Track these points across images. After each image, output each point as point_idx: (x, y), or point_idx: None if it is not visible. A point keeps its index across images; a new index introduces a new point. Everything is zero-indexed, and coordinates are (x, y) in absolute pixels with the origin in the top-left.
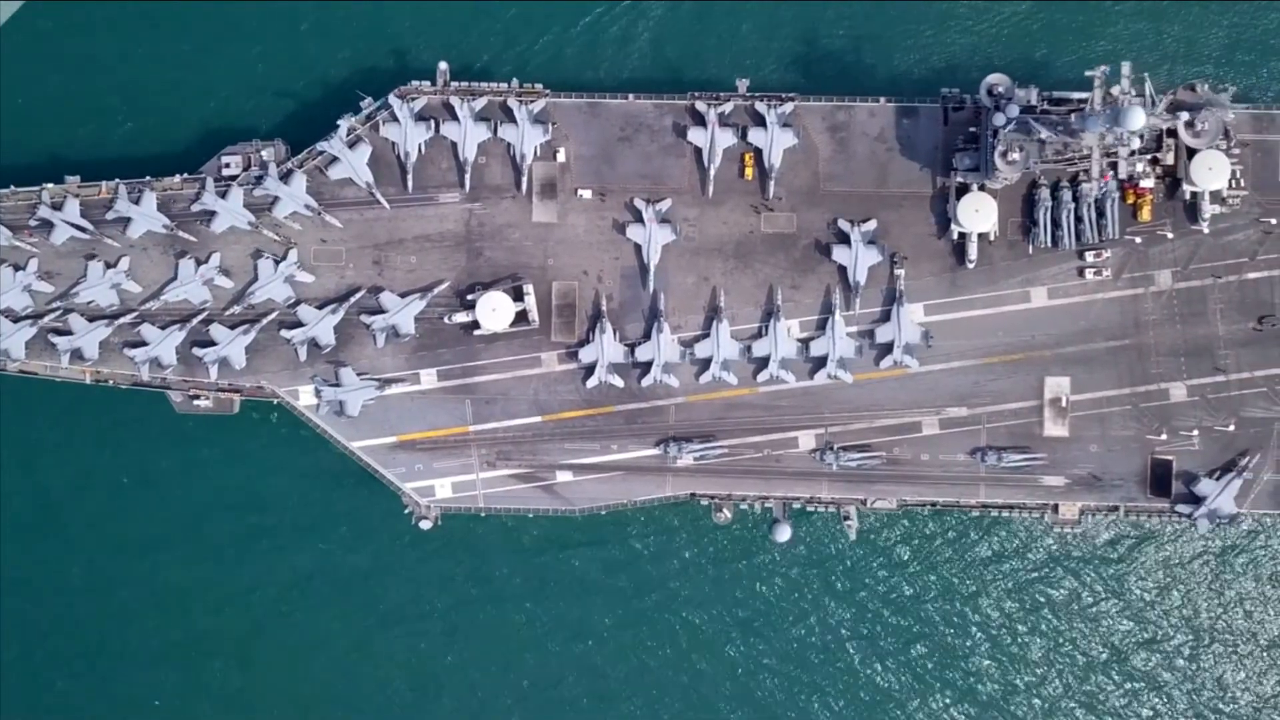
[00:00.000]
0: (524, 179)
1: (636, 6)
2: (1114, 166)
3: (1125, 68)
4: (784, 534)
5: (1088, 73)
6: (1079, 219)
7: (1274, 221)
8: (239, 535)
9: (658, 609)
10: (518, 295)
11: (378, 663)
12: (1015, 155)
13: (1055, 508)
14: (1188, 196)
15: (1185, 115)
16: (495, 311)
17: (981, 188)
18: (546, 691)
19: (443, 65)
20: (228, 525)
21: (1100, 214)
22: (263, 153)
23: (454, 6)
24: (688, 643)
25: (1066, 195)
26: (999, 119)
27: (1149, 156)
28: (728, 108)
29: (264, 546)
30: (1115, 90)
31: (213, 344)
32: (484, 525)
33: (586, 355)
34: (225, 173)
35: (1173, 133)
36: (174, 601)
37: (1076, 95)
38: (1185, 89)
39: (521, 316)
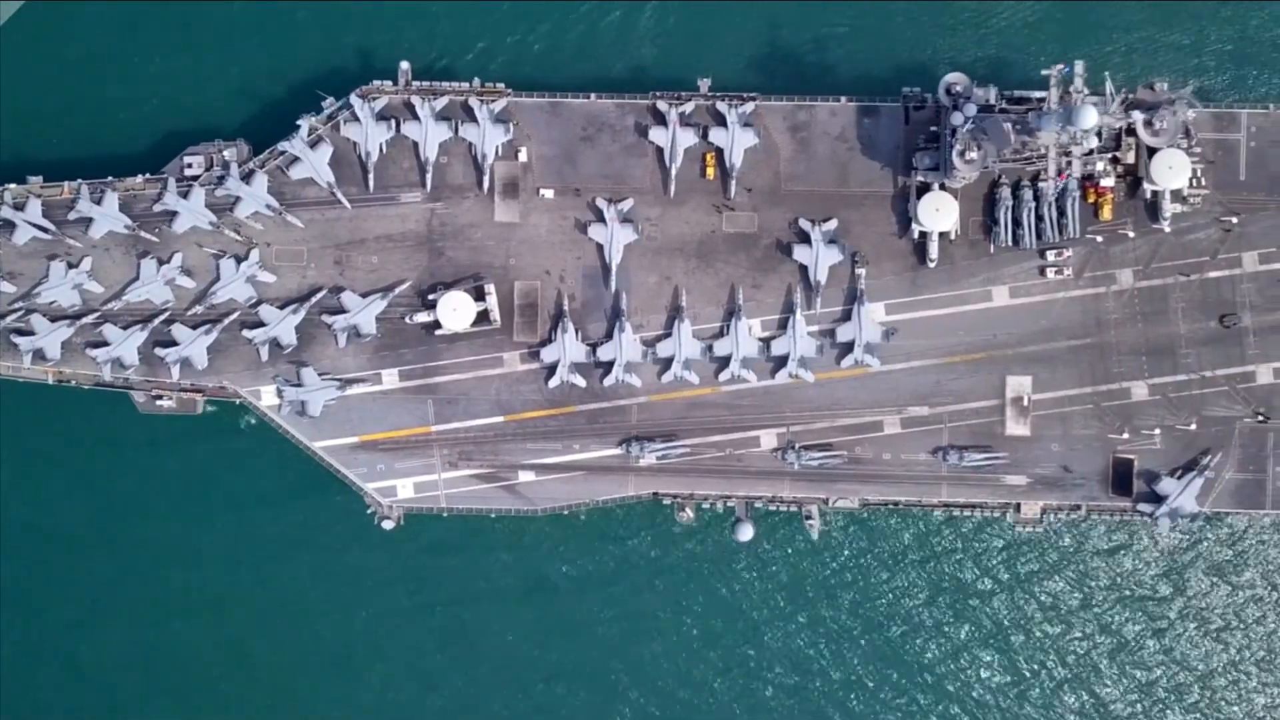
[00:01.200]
0: (486, 178)
1: (601, 7)
2: (1072, 165)
3: (1079, 66)
4: (746, 533)
5: (1044, 71)
6: (1040, 218)
7: (1235, 220)
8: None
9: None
10: (479, 295)
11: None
12: (973, 154)
13: (1017, 507)
14: (1149, 195)
15: (1144, 114)
16: (456, 311)
17: (942, 187)
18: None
19: (404, 65)
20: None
21: (1061, 213)
22: (225, 153)
23: (417, 7)
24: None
25: (1028, 194)
26: (957, 118)
27: (1109, 155)
28: (689, 107)
29: (264, 546)
30: (1073, 89)
31: (175, 344)
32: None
33: (548, 355)
34: (188, 173)
35: (1132, 131)
36: (172, 601)
37: (1037, 94)
38: (1145, 88)
39: (483, 316)
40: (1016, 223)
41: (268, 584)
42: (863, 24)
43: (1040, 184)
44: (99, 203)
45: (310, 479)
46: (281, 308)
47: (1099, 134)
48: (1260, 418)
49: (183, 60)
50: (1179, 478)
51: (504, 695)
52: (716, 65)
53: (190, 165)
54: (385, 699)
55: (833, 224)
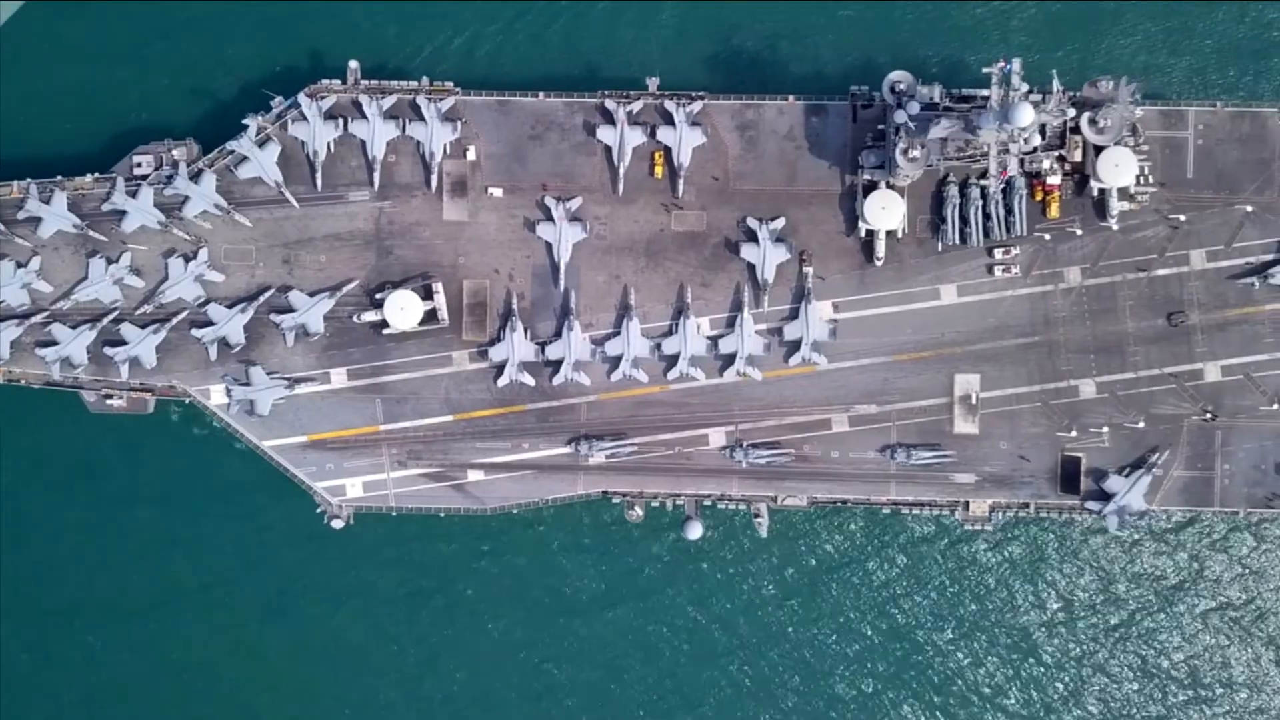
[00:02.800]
0: (434, 177)
1: (552, 6)
2: (1018, 163)
3: (1016, 64)
4: (695, 531)
5: (985, 69)
6: (987, 216)
7: (1182, 218)
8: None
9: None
10: (427, 294)
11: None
12: (916, 152)
13: (966, 505)
14: (1096, 193)
15: (1089, 112)
16: (403, 310)
17: (889, 185)
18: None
19: (353, 64)
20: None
21: (1009, 211)
22: (174, 152)
23: (370, 6)
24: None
25: (975, 193)
26: (900, 116)
27: (1055, 154)
28: (637, 106)
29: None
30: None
31: (124, 343)
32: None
33: (497, 354)
34: (137, 172)
35: (1078, 129)
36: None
37: (983, 93)
38: (1090, 86)
39: (431, 315)
40: (964, 221)
41: (263, 580)
42: (814, 23)
43: (982, 182)
44: (48, 202)
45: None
46: (230, 307)
47: (1042, 132)
48: (1208, 415)
49: (136, 60)
50: (1127, 475)
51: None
52: (667, 64)
53: (140, 165)
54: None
55: (780, 222)
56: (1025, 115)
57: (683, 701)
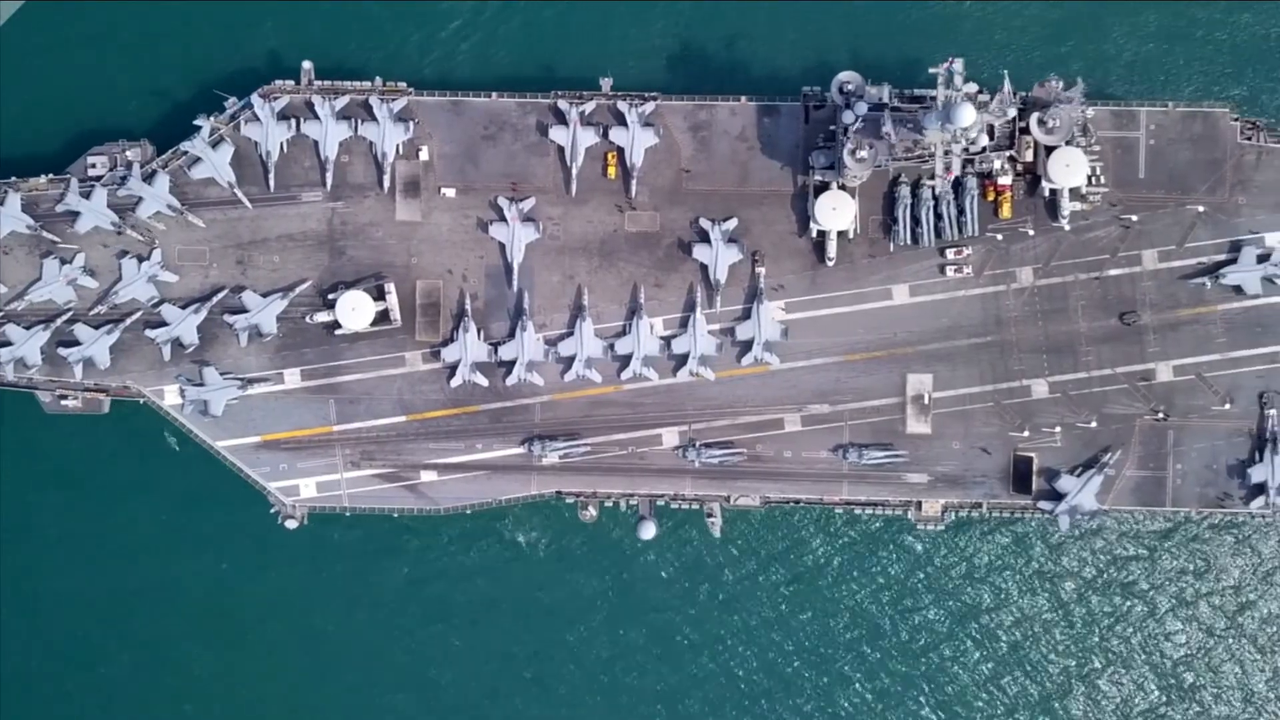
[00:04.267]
0: (386, 177)
1: (509, 6)
2: (969, 163)
3: (958, 64)
4: (649, 531)
5: (931, 69)
6: (939, 216)
7: (1134, 218)
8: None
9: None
10: (380, 294)
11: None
12: (864, 153)
13: (918, 505)
14: (1047, 194)
15: (1038, 112)
16: (355, 311)
17: (841, 186)
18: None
19: (307, 64)
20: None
21: (960, 211)
22: (128, 153)
23: (327, 7)
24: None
25: (927, 193)
26: (848, 116)
27: (1006, 154)
28: (589, 107)
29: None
30: (969, 87)
31: (78, 344)
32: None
33: (450, 354)
34: (91, 173)
35: (1027, 129)
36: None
37: (932, 93)
38: (1039, 86)
39: (384, 316)
40: (916, 221)
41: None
42: (770, 24)
43: (929, 182)
44: (1, 203)
45: None
46: (184, 307)
47: (991, 132)
48: (1160, 415)
49: (93, 60)
50: (1079, 475)
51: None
52: (621, 65)
53: (94, 165)
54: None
55: (732, 223)
56: (966, 115)
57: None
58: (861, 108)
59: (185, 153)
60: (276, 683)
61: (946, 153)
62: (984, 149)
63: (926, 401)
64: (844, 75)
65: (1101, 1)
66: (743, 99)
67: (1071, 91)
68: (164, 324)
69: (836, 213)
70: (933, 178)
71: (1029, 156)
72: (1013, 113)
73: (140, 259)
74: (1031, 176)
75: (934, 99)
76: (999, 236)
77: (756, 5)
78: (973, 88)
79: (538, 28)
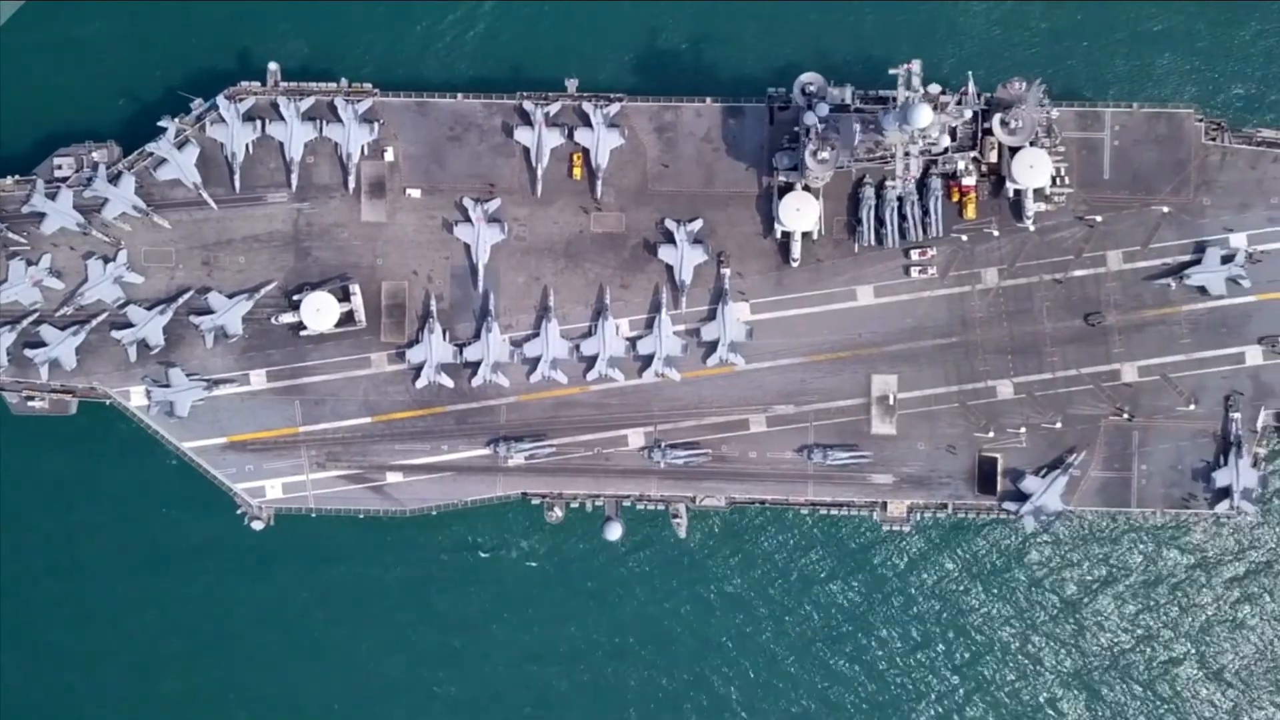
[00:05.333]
0: (351, 178)
1: (476, 7)
2: (933, 164)
3: (915, 65)
4: (615, 532)
5: (892, 70)
6: (903, 217)
7: (1098, 219)
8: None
9: None
10: (345, 295)
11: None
12: (825, 154)
13: (884, 505)
14: (1012, 194)
15: (1000, 113)
16: (320, 312)
17: (805, 187)
18: None
19: (273, 66)
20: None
21: (925, 212)
22: (94, 154)
23: (294, 8)
24: None
25: (891, 194)
26: (810, 118)
27: (970, 155)
28: (555, 108)
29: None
30: (932, 88)
31: (44, 345)
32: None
33: (415, 355)
34: (58, 174)
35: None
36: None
37: (895, 93)
38: (1002, 87)
39: (349, 317)
40: (880, 222)
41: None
42: (736, 25)
43: (888, 183)
44: None
45: None
46: (149, 308)
47: (953, 134)
48: (1125, 416)
49: (61, 63)
50: (1044, 476)
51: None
52: (588, 66)
53: (60, 167)
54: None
55: (698, 224)
56: (923, 116)
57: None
58: (823, 109)
59: (151, 154)
60: (254, 683)
61: (906, 154)
62: (946, 150)
63: (891, 402)
64: (806, 76)
65: (1070, 1)
66: (708, 100)
67: (1031, 92)
68: (130, 325)
69: (800, 214)
70: (895, 178)
71: (993, 157)
72: (969, 114)
73: (106, 260)
74: (996, 177)
75: (896, 100)
76: (964, 237)
77: (722, 6)
78: (935, 88)
79: (504, 29)
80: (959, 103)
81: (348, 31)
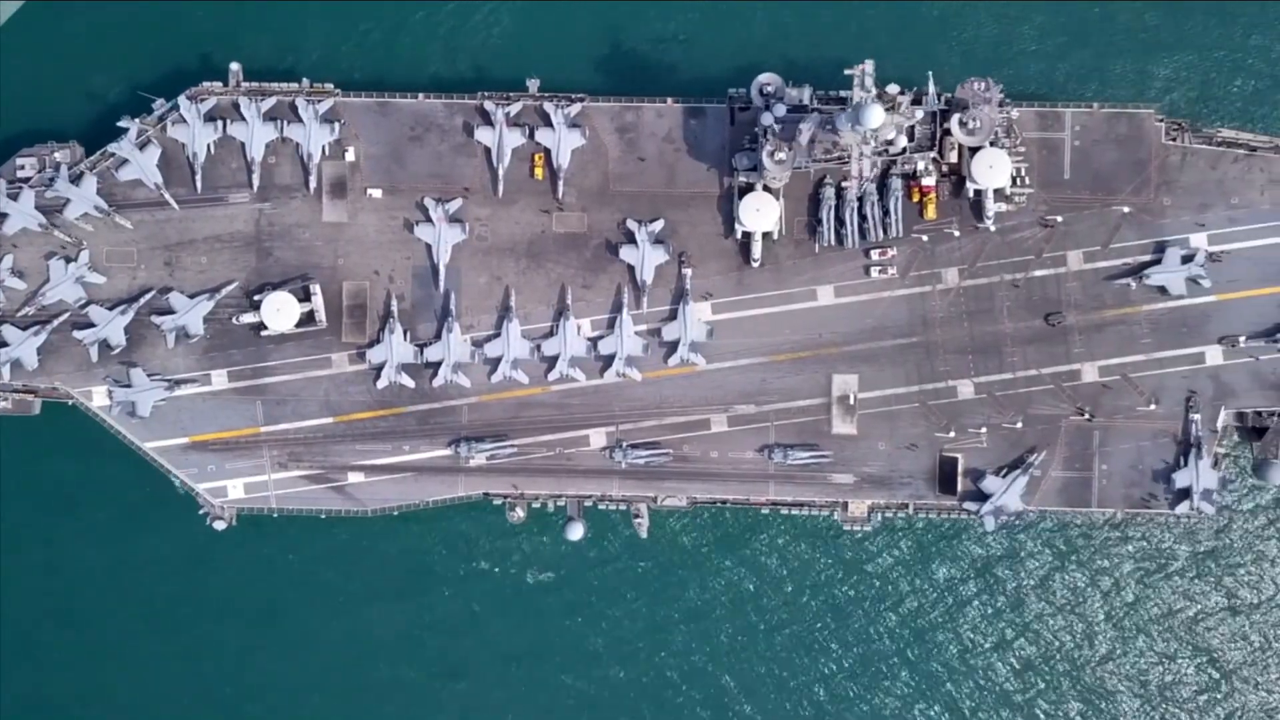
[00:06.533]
0: (312, 178)
1: (439, 8)
2: (892, 164)
3: (868, 66)
4: (576, 532)
5: (847, 70)
6: (863, 217)
7: (1059, 219)
8: None
9: None
10: (306, 295)
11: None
12: (782, 155)
13: (845, 505)
14: (972, 194)
15: (958, 114)
16: (280, 312)
17: (766, 188)
18: None
19: (234, 66)
20: None
21: (885, 212)
22: (57, 155)
23: (259, 8)
24: None
25: (851, 194)
26: (767, 118)
27: (930, 155)
28: (515, 108)
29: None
30: (890, 88)
31: (5, 345)
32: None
33: (376, 356)
34: (20, 174)
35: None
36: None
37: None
38: (963, 87)
39: (310, 317)
40: (840, 222)
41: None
42: (700, 25)
43: (843, 183)
44: None
45: None
46: (111, 309)
47: (911, 134)
48: (1085, 415)
49: (24, 62)
50: (1004, 476)
51: None
52: (551, 66)
53: (23, 167)
54: None
55: (659, 224)
56: (874, 117)
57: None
58: (780, 109)
59: (113, 154)
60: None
61: (861, 154)
62: (904, 150)
63: (852, 402)
64: (764, 77)
65: (1031, 2)
66: (669, 101)
67: (989, 93)
68: (91, 325)
69: (760, 214)
70: (851, 178)
71: (954, 158)
72: (921, 114)
73: (68, 260)
74: (957, 178)
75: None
76: (924, 237)
77: (683, 6)
78: (894, 89)
79: (466, 30)
80: (917, 102)
81: (310, 32)
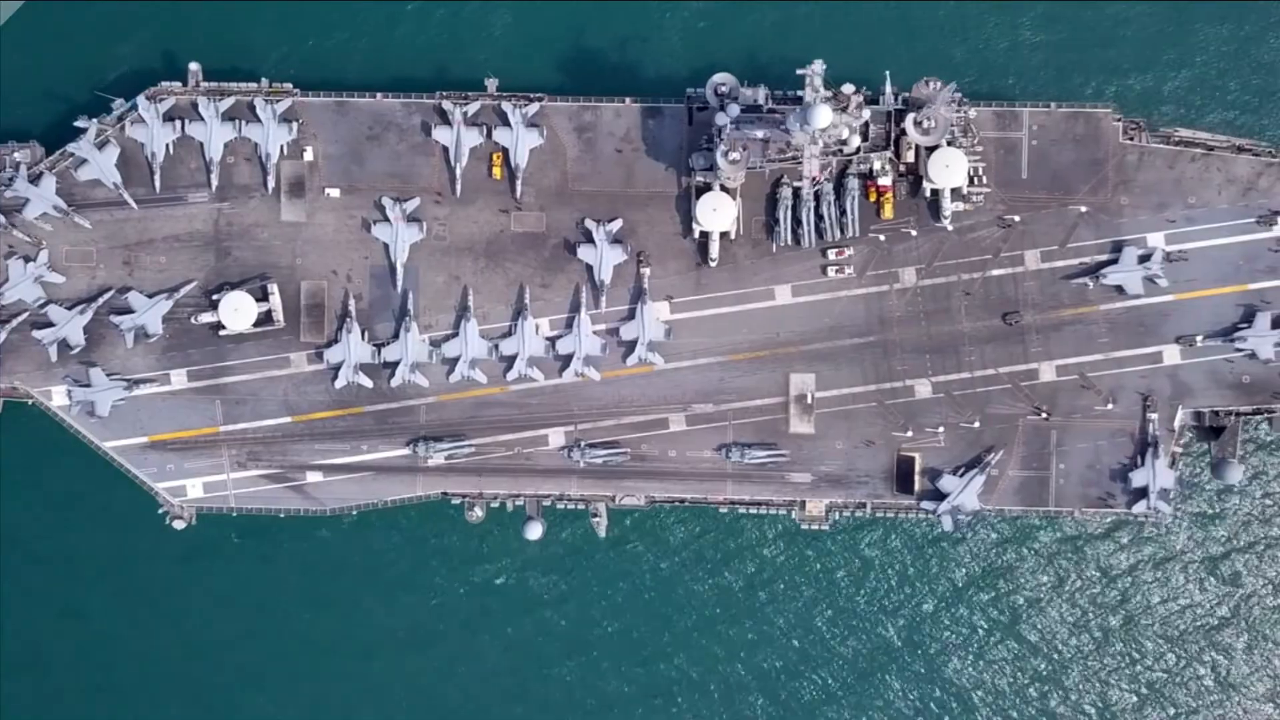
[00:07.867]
0: (270, 178)
1: (399, 8)
2: (849, 164)
3: (817, 65)
4: (535, 532)
5: (799, 70)
6: (820, 217)
7: (1016, 219)
8: None
9: None
10: (264, 295)
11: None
12: (736, 155)
13: (802, 504)
14: (929, 194)
15: (913, 114)
16: (237, 312)
17: (723, 188)
18: None
19: (194, 66)
20: None
21: (842, 212)
22: (16, 154)
23: (220, 8)
24: None
25: (807, 193)
26: (721, 119)
27: (886, 154)
28: (473, 107)
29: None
30: (845, 88)
31: None
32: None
33: (333, 355)
34: None
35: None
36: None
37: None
38: (920, 86)
39: (268, 316)
40: (797, 222)
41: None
42: (659, 26)
43: (796, 183)
44: None
45: None
46: (70, 308)
47: (865, 133)
48: (1043, 415)
49: None
50: (961, 475)
51: None
52: (509, 66)
53: None
54: None
55: (617, 224)
56: (822, 117)
57: None
58: (734, 110)
59: (71, 154)
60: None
61: (828, 152)
62: (858, 149)
63: (809, 401)
64: (719, 77)
65: (994, 2)
66: (627, 100)
67: (943, 92)
68: (50, 325)
69: (717, 214)
70: (803, 178)
71: (911, 157)
72: (867, 114)
73: (27, 260)
74: (914, 177)
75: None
76: (881, 237)
77: (642, 6)
78: (849, 88)
79: (425, 30)
80: (874, 102)
81: (269, 32)
